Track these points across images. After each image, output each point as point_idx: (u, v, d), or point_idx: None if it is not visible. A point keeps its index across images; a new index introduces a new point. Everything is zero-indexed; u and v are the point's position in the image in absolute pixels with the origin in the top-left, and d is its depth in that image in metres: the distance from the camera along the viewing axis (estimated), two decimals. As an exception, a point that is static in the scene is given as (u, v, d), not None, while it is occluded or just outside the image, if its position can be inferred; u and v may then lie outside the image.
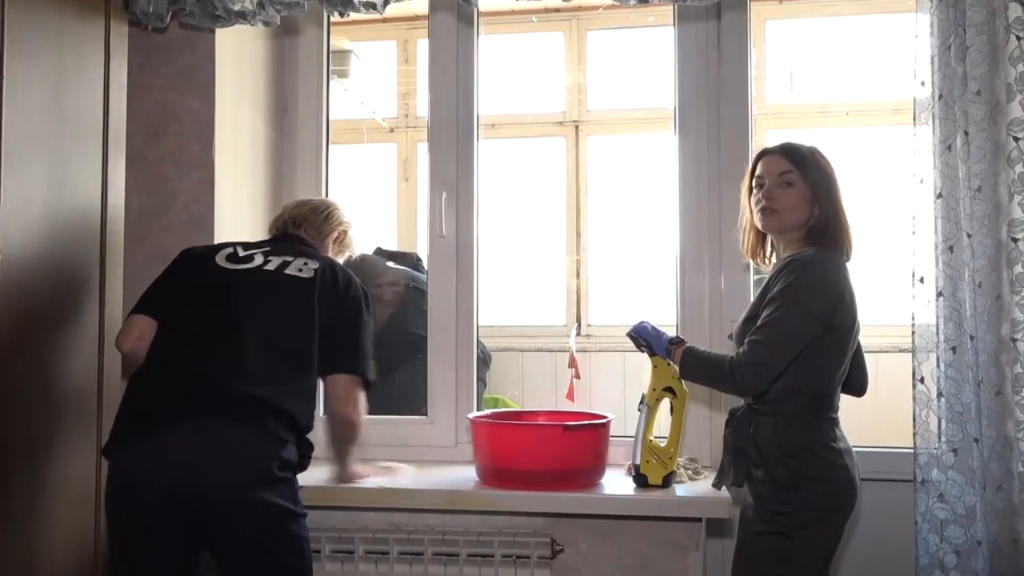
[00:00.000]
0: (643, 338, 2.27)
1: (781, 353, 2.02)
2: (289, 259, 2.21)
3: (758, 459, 2.07)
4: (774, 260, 2.26)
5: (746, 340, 2.06)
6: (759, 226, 2.21)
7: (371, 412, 3.20)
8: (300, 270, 2.19)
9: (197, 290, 2.16)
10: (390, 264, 3.47)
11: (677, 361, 2.20)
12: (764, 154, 2.21)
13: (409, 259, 3.55)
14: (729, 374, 2.06)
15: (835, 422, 2.11)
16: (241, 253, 2.22)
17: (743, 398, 2.16)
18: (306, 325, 2.14)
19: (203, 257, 2.22)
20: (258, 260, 2.19)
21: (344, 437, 2.30)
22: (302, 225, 2.38)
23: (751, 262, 2.38)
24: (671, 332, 2.30)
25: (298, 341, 2.12)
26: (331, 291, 2.19)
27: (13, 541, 2.00)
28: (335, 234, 2.41)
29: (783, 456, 2.04)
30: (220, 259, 2.19)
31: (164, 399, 1.98)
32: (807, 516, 2.03)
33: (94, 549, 2.21)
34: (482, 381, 2.90)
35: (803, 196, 2.13)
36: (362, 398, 2.26)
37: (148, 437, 1.94)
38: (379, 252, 3.56)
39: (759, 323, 2.05)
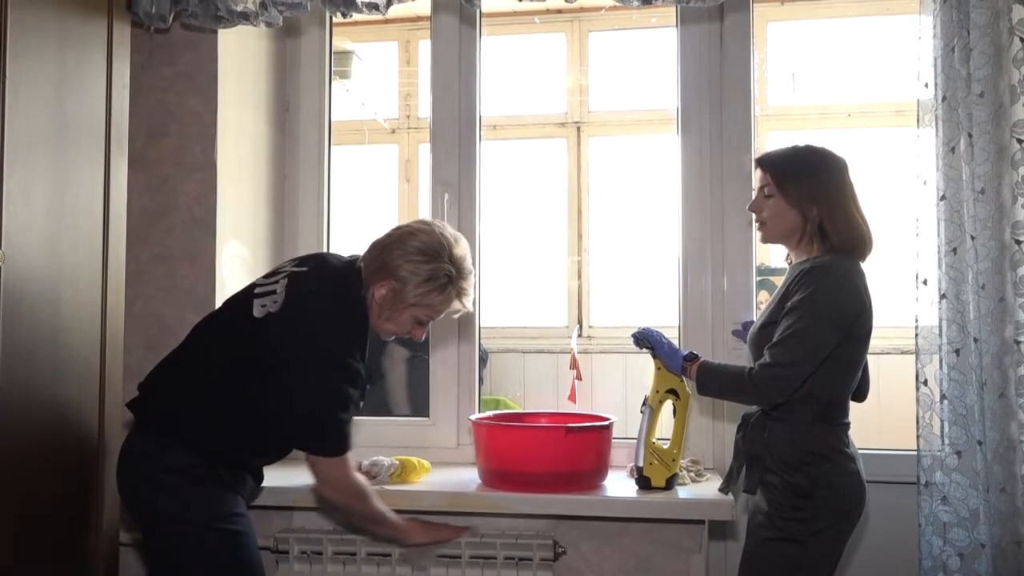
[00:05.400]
0: (650, 342, 2.24)
1: (804, 366, 1.98)
2: (275, 290, 2.04)
3: (772, 465, 2.05)
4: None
5: (767, 351, 2.02)
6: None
7: (373, 412, 3.25)
8: (264, 306, 2.01)
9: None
10: None
11: (693, 377, 2.15)
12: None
13: None
14: (751, 385, 2.02)
15: (847, 428, 2.10)
16: (281, 268, 2.14)
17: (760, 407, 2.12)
18: (232, 363, 2.00)
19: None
20: (264, 283, 2.10)
21: (352, 518, 2.24)
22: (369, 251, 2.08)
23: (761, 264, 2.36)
24: (673, 333, 2.28)
25: (215, 372, 2.02)
26: (277, 342, 1.97)
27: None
28: (383, 286, 2.01)
29: (800, 463, 2.02)
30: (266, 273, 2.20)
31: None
32: (820, 523, 2.01)
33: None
34: (479, 378, 2.89)
35: (780, 206, 2.11)
36: (337, 478, 2.02)
37: None
38: None
39: (780, 334, 2.01)
